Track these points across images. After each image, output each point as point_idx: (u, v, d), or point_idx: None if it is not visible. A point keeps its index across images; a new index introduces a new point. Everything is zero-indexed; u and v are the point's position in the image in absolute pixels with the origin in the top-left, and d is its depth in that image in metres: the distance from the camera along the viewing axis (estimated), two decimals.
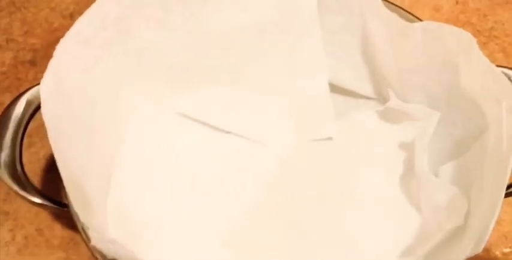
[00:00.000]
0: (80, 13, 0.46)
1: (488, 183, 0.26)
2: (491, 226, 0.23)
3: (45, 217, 0.38)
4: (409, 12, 0.33)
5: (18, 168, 0.29)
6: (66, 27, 0.46)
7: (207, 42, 0.35)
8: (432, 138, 0.32)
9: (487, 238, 0.23)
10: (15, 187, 0.28)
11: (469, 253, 0.23)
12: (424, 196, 0.31)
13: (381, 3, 0.31)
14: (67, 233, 0.37)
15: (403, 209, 0.33)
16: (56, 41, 0.45)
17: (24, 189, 0.28)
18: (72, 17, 0.47)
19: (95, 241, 0.24)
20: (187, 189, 0.35)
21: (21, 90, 0.41)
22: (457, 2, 0.46)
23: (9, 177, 0.28)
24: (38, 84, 0.31)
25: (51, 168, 0.39)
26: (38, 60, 0.44)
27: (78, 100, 0.29)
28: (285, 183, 0.35)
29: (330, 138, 0.36)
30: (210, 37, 0.35)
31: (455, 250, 0.25)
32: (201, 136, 0.37)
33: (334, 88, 0.37)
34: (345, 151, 0.36)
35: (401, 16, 0.31)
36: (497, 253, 0.35)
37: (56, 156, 0.26)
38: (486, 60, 0.27)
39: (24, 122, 0.30)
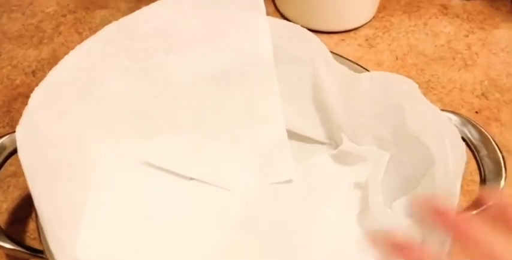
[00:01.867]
0: (43, 71, 0.49)
1: None
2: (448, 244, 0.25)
3: None
4: (356, 63, 0.37)
5: None
6: (28, 84, 0.48)
7: (169, 90, 0.37)
8: (383, 177, 0.35)
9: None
10: None
11: None
12: (380, 228, 0.33)
13: (330, 56, 0.35)
14: None
15: (361, 243, 0.35)
16: (18, 97, 0.47)
17: None
18: (34, 74, 0.49)
19: None
20: (154, 234, 0.36)
21: None
22: (396, 58, 0.50)
23: None
24: (6, 134, 0.32)
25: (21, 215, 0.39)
26: None
27: (50, 146, 0.30)
28: (250, 225, 0.36)
29: (289, 181, 0.39)
30: (172, 85, 0.37)
31: None
32: (165, 183, 0.38)
33: (290, 134, 0.39)
34: (304, 193, 0.38)
35: (349, 67, 0.35)
36: None
37: (33, 197, 0.27)
38: (428, 102, 0.31)
39: None
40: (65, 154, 0.32)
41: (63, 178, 0.31)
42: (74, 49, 0.32)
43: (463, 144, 0.28)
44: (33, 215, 0.39)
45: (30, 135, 0.28)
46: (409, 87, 0.32)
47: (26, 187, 0.40)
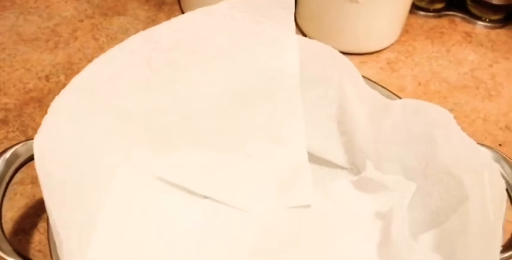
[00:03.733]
0: (57, 76, 0.48)
1: (476, 250, 0.27)
2: None
3: None
4: (387, 89, 0.36)
5: None
6: (41, 89, 0.46)
7: (190, 106, 0.36)
8: (408, 209, 0.34)
9: None
10: None
11: None
12: None
13: (361, 79, 0.34)
14: None
15: None
16: (30, 101, 0.45)
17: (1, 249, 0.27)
18: (48, 79, 0.47)
19: None
20: (166, 253, 0.34)
21: None
22: (419, 84, 0.49)
23: None
24: (17, 143, 0.30)
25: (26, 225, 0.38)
26: (10, 120, 0.44)
27: (66, 156, 0.29)
28: (265, 250, 0.35)
29: (307, 206, 0.37)
30: (193, 100, 0.35)
31: None
32: (179, 200, 0.37)
33: (310, 157, 0.38)
34: (322, 219, 0.37)
35: (379, 92, 0.34)
36: None
37: (48, 209, 0.25)
38: (464, 134, 0.29)
39: (5, 181, 0.29)
40: (81, 164, 0.30)
41: (79, 189, 0.29)
42: (99, 57, 0.31)
43: (503, 181, 0.27)
44: (39, 226, 0.37)
45: (48, 144, 0.27)
46: (444, 117, 0.31)
47: (33, 196, 0.39)
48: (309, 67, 0.36)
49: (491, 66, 0.52)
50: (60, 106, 0.29)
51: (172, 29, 0.33)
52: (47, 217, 0.37)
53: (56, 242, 0.26)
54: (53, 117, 0.28)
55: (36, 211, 0.38)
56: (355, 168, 0.39)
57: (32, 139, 0.30)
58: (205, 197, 0.37)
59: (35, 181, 0.40)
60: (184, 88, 0.35)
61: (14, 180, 0.39)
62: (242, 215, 0.37)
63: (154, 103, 0.35)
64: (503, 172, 0.31)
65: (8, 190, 0.30)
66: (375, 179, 0.36)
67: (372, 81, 0.36)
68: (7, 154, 0.29)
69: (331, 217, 0.37)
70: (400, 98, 0.34)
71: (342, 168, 0.39)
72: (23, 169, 0.38)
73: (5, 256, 0.27)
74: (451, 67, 0.51)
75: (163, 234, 0.35)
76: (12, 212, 0.38)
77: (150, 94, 0.34)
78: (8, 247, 0.27)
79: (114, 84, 0.32)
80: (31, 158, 0.30)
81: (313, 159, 0.38)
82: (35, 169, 0.40)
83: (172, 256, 0.34)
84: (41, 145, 0.27)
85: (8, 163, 0.29)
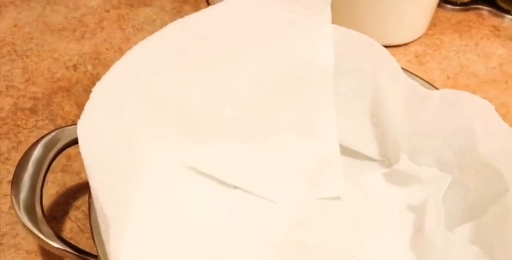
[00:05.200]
0: (84, 65, 0.48)
1: None
2: None
3: None
4: (422, 79, 0.35)
5: (38, 210, 0.28)
6: (69, 78, 0.46)
7: (222, 95, 0.35)
8: (442, 201, 0.33)
9: None
10: (35, 231, 0.27)
11: None
12: (438, 255, 0.31)
13: (399, 69, 0.33)
14: None
15: None
16: (58, 91, 0.46)
17: (42, 232, 0.27)
18: (75, 68, 0.47)
19: None
20: (195, 243, 0.34)
21: (20, 137, 0.41)
22: (448, 77, 0.49)
23: (28, 219, 0.27)
24: (56, 129, 0.31)
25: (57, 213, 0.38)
26: (39, 108, 0.44)
27: (104, 143, 0.29)
28: (295, 241, 0.35)
29: (338, 198, 0.37)
30: (226, 90, 0.35)
31: None
32: (208, 190, 0.37)
33: (341, 149, 0.38)
34: (352, 211, 0.36)
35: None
36: None
37: (93, 193, 0.26)
38: (507, 126, 0.29)
39: (45, 164, 0.29)
40: (117, 152, 0.30)
41: (116, 176, 0.29)
42: (137, 44, 0.31)
43: None
44: (70, 214, 0.38)
45: (89, 129, 0.27)
46: (485, 108, 0.30)
47: (64, 184, 0.39)
48: (342, 57, 0.35)
49: None
50: (101, 92, 0.29)
51: (208, 18, 0.33)
52: (79, 205, 0.37)
53: (101, 227, 0.26)
54: (94, 102, 0.28)
55: (67, 199, 0.38)
56: (386, 160, 0.38)
57: (65, 126, 0.30)
58: (235, 187, 0.37)
59: (65, 169, 0.40)
60: (218, 77, 0.35)
61: None
62: (272, 206, 0.37)
63: (187, 92, 0.34)
64: None
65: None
66: (408, 171, 0.35)
67: (409, 71, 0.35)
68: (46, 139, 0.29)
69: (362, 209, 0.36)
70: (437, 89, 0.33)
71: (374, 160, 0.39)
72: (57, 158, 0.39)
73: (45, 239, 0.27)
74: (479, 61, 0.51)
75: (193, 224, 0.34)
76: (43, 200, 0.38)
77: (184, 83, 0.34)
78: (48, 230, 0.27)
79: (151, 72, 0.32)
80: (68, 144, 0.30)
81: (345, 151, 0.38)
82: (65, 158, 0.40)
83: (200, 246, 0.34)
84: (85, 129, 0.27)
85: (47, 147, 0.29)
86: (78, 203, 0.38)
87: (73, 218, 0.37)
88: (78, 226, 0.37)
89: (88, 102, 0.28)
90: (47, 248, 0.28)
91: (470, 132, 0.31)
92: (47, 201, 0.38)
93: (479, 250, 0.29)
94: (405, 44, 0.51)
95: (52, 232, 0.28)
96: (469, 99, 0.31)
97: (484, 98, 0.47)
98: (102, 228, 0.26)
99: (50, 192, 0.39)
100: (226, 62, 0.35)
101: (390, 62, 0.34)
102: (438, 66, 0.50)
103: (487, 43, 0.52)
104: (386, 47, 0.50)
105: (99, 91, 0.29)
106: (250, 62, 0.35)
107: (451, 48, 0.52)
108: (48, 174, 0.39)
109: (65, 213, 0.37)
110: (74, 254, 0.28)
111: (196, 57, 0.34)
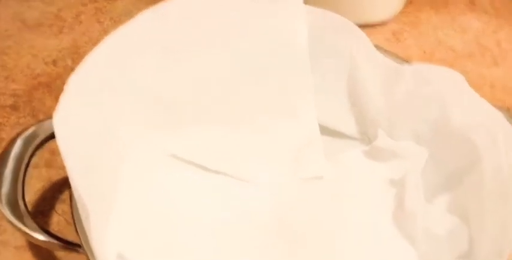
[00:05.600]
0: (64, 60, 0.48)
1: (491, 208, 0.27)
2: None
3: None
4: (396, 55, 0.36)
5: (21, 204, 0.28)
6: (49, 74, 0.47)
7: (201, 82, 0.36)
8: (421, 175, 0.34)
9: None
10: (18, 225, 0.27)
11: None
12: (420, 229, 0.32)
13: (372, 46, 0.34)
14: None
15: (397, 245, 0.33)
16: (39, 86, 0.46)
17: (26, 226, 0.28)
18: (55, 63, 0.47)
19: None
20: (181, 228, 0.34)
21: (2, 135, 0.41)
22: (424, 52, 0.49)
23: (11, 214, 0.28)
24: (39, 121, 0.31)
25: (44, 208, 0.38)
26: (20, 105, 0.44)
27: (83, 133, 0.29)
28: (278, 222, 0.35)
29: (320, 177, 0.37)
30: (204, 77, 0.36)
31: None
32: (192, 176, 0.37)
33: (321, 129, 0.38)
34: (335, 190, 0.37)
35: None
36: None
37: (73, 186, 0.26)
38: (477, 95, 0.29)
39: (26, 159, 0.29)
40: (95, 142, 0.30)
41: (96, 167, 0.29)
42: (110, 34, 0.31)
43: None
44: (57, 207, 0.38)
45: (66, 121, 0.27)
46: (455, 79, 0.31)
47: (49, 179, 0.39)
48: (318, 37, 0.36)
49: (496, 32, 0.51)
50: (76, 84, 0.29)
51: (180, 5, 0.33)
52: (64, 198, 0.38)
53: (82, 216, 0.27)
54: (69, 94, 0.28)
55: (53, 194, 0.39)
56: (366, 138, 0.39)
57: (43, 121, 0.30)
58: (219, 172, 0.37)
59: (49, 164, 0.40)
60: (194, 64, 0.35)
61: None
62: (254, 189, 0.37)
63: (164, 80, 0.35)
64: None
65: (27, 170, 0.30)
66: (386, 147, 0.36)
67: (382, 48, 0.36)
68: (25, 134, 0.29)
69: (344, 187, 0.37)
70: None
71: (354, 138, 0.39)
72: (37, 152, 0.39)
73: (29, 232, 0.28)
74: (456, 36, 0.51)
75: (177, 210, 0.35)
76: (29, 195, 0.38)
77: (160, 71, 0.34)
78: (32, 224, 0.28)
79: (126, 60, 0.32)
80: (48, 138, 0.30)
81: (324, 130, 0.38)
82: (49, 152, 0.40)
83: (187, 230, 0.34)
84: (61, 121, 0.27)
85: (27, 143, 0.29)
86: (64, 196, 0.38)
87: (60, 211, 0.38)
88: (65, 219, 0.37)
89: (63, 93, 0.28)
90: (32, 241, 0.28)
91: (443, 104, 0.32)
92: (32, 196, 0.39)
93: (457, 218, 0.30)
94: (382, 23, 0.52)
95: (36, 225, 0.28)
96: (441, 72, 0.31)
97: (461, 71, 0.48)
98: (83, 217, 0.27)
99: (36, 187, 0.39)
100: (201, 48, 0.35)
101: (364, 40, 0.34)
102: (416, 43, 0.50)
103: (464, 18, 0.53)
104: (363, 26, 0.50)
105: (73, 82, 0.29)
106: (225, 46, 0.35)
107: (428, 25, 0.52)
108: (33, 169, 0.39)
109: (52, 207, 0.38)
110: (58, 244, 0.28)
111: (171, 44, 0.34)
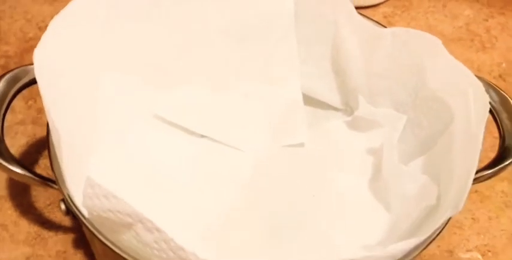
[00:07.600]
0: None
1: (459, 161, 0.27)
2: (469, 185, 0.24)
3: (10, 214, 0.37)
4: (379, 23, 0.36)
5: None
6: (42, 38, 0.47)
7: (187, 41, 0.36)
8: (399, 142, 0.34)
9: (465, 196, 0.24)
10: None
11: (449, 213, 0.24)
12: (393, 190, 0.32)
13: (354, 11, 0.34)
14: (33, 229, 0.36)
15: (372, 208, 0.34)
16: (30, 49, 0.46)
17: (4, 158, 0.28)
18: None
19: (88, 201, 0.24)
20: (163, 189, 0.34)
21: None
22: None
23: None
24: (23, 65, 0.31)
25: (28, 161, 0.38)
26: (11, 66, 0.45)
27: (65, 79, 0.29)
28: (260, 186, 0.35)
29: (301, 144, 0.38)
30: (190, 36, 0.36)
31: (434, 218, 0.26)
32: (175, 138, 0.37)
33: (304, 99, 0.38)
34: (316, 157, 0.37)
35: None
36: (460, 254, 0.37)
37: (50, 123, 0.26)
38: (452, 57, 0.30)
39: (8, 99, 0.30)
40: (80, 90, 0.31)
41: (78, 113, 0.30)
42: None
43: (487, 96, 0.28)
44: (40, 162, 0.38)
45: (47, 56, 0.28)
46: (433, 44, 0.31)
47: (33, 135, 0.40)
48: (303, 4, 0.36)
49: (486, 20, 0.52)
50: (59, 24, 0.29)
51: None
52: (47, 154, 0.38)
53: (54, 142, 0.27)
54: (52, 33, 0.28)
55: (37, 149, 0.39)
56: (349, 109, 0.39)
57: (28, 65, 0.30)
58: (202, 136, 0.38)
59: (35, 121, 0.41)
60: (182, 23, 0.35)
61: (15, 120, 0.41)
62: (237, 153, 0.37)
63: (151, 35, 0.35)
64: (493, 102, 0.31)
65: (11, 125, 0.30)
66: (367, 116, 0.36)
67: (363, 15, 0.36)
68: (8, 76, 0.30)
69: (324, 155, 0.37)
70: None
71: (337, 109, 0.40)
72: (23, 110, 0.39)
73: (8, 166, 0.28)
74: (446, 21, 0.52)
75: (159, 167, 0.35)
76: (13, 149, 0.39)
77: (148, 25, 0.34)
78: (11, 159, 0.28)
79: (114, 12, 0.32)
80: (31, 82, 0.30)
81: (308, 101, 0.39)
82: (36, 111, 0.41)
83: (166, 188, 0.35)
84: (41, 56, 0.27)
85: (10, 83, 0.30)
86: (47, 152, 0.38)
87: (43, 166, 0.38)
88: (47, 173, 0.37)
89: (45, 32, 0.28)
90: (9, 174, 0.29)
91: (421, 68, 0.32)
92: (17, 150, 0.39)
93: (427, 178, 0.30)
94: (374, 5, 0.52)
95: (14, 160, 0.28)
96: (418, 36, 0.32)
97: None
98: (56, 145, 0.27)
99: (20, 142, 0.39)
100: (189, 8, 0.35)
101: (347, 6, 0.34)
102: (406, 26, 0.50)
103: (455, 4, 0.53)
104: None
105: (57, 23, 0.29)
106: (212, 9, 0.36)
107: (419, 9, 0.53)
108: (19, 126, 0.40)
109: (35, 161, 0.38)
110: (34, 178, 0.28)
111: (160, 1, 0.34)
